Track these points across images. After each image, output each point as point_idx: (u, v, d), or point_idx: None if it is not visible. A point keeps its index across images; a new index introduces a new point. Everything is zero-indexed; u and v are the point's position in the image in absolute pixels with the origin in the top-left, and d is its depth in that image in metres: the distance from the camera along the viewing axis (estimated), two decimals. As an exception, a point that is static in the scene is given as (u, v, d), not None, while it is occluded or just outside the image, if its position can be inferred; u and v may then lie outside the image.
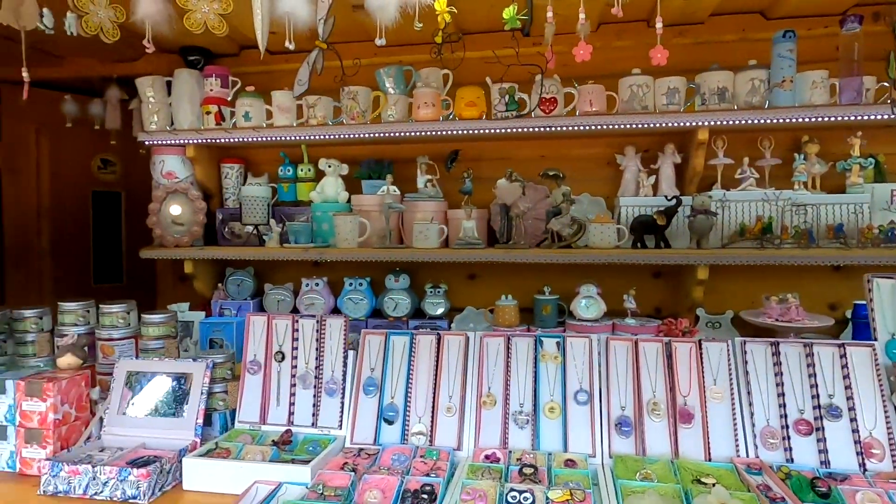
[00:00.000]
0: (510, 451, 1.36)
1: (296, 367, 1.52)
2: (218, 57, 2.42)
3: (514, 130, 2.06)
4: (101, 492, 1.29)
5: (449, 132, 2.10)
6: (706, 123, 1.96)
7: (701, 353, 1.42)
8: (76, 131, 2.57)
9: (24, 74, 1.58)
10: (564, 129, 2.05)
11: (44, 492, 1.31)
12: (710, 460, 1.32)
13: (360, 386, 1.48)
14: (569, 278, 2.21)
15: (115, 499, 1.29)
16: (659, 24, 1.40)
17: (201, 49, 2.33)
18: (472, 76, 2.04)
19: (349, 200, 2.25)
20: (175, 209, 2.22)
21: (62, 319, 1.73)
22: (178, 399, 1.48)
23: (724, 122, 1.95)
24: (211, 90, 2.17)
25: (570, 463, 1.31)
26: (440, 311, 2.24)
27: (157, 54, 2.39)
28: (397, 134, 2.10)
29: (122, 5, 1.57)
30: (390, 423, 1.44)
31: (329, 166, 2.24)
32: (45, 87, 2.56)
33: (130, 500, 1.28)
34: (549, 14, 1.40)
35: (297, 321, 1.54)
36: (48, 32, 1.53)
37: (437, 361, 1.48)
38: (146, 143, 2.23)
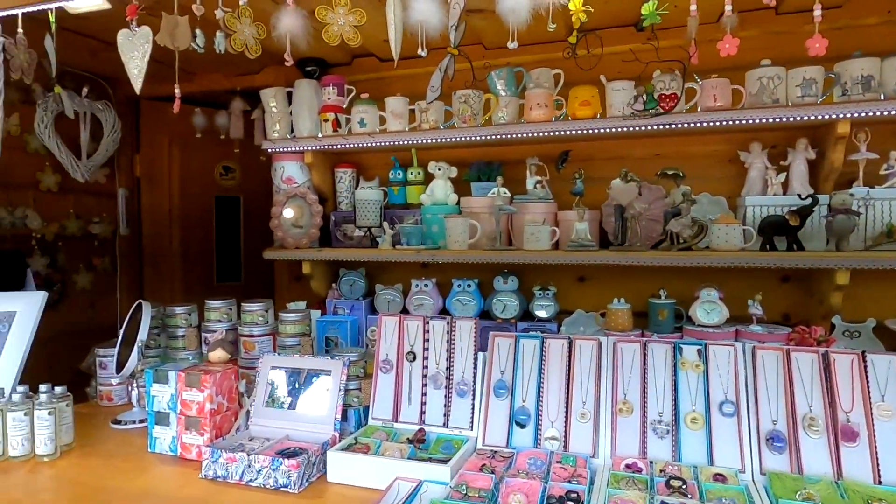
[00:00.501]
0: (651, 462, 1.31)
1: (427, 367, 1.55)
2: (332, 66, 2.53)
3: (631, 129, 2.00)
4: (255, 479, 1.38)
5: (561, 133, 2.07)
6: (848, 116, 1.81)
7: (865, 366, 1.30)
8: (202, 141, 2.78)
9: (176, 90, 1.72)
10: (683, 126, 1.95)
11: (204, 476, 1.42)
12: (880, 483, 1.22)
13: (490, 388, 1.49)
14: (684, 282, 2.11)
15: (267, 486, 1.37)
16: (817, 12, 1.31)
17: (317, 60, 2.44)
18: (584, 74, 1.99)
19: (458, 202, 2.28)
20: (295, 213, 2.34)
21: (208, 316, 1.88)
22: (314, 394, 1.56)
23: (870, 114, 1.79)
24: (328, 98, 2.27)
25: (719, 477, 1.25)
26: (549, 313, 2.22)
27: (276, 66, 2.56)
28: (508, 136, 2.10)
29: (262, 22, 1.67)
30: (522, 426, 1.44)
31: (439, 169, 2.27)
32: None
33: (282, 489, 1.36)
34: (693, 7, 1.34)
35: (427, 322, 1.57)
36: (199, 51, 1.66)
37: (569, 366, 1.46)
38: (269, 150, 2.37)
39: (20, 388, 1.56)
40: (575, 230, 2.09)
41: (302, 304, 2.31)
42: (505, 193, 2.20)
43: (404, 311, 2.37)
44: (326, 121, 2.26)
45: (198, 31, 1.65)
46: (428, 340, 1.56)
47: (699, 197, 2.14)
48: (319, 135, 2.29)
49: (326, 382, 1.56)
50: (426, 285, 2.33)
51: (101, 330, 2.66)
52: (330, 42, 1.58)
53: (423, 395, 1.54)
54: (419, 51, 1.53)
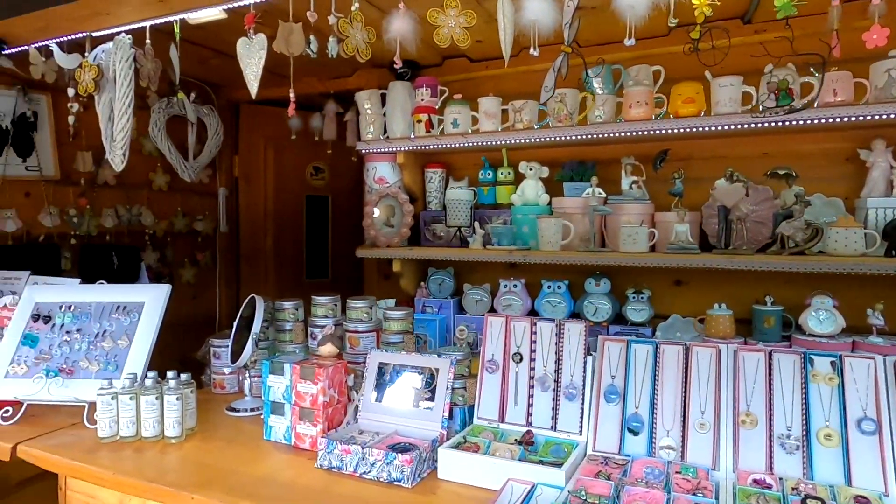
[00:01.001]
0: (781, 479, 1.25)
1: (534, 368, 1.54)
2: (423, 68, 2.56)
3: (737, 127, 1.91)
4: (369, 472, 1.42)
5: (661, 131, 2.00)
6: None
7: None
8: (294, 142, 2.90)
9: (291, 94, 1.80)
10: (798, 123, 1.84)
11: (320, 465, 1.48)
12: None
13: (600, 392, 1.47)
14: (790, 288, 2.00)
15: (381, 480, 1.40)
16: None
17: (408, 61, 2.47)
18: (684, 71, 1.90)
19: (549, 203, 2.26)
20: (386, 212, 2.39)
21: (315, 311, 1.95)
22: (400, 390, 1.58)
23: None
24: (422, 100, 2.30)
25: (861, 500, 1.17)
26: (643, 317, 2.16)
27: (368, 69, 2.62)
28: (605, 135, 2.05)
29: (372, 26, 1.71)
30: (635, 433, 1.41)
31: (530, 169, 2.26)
32: (271, 105, 2.91)
33: (395, 483, 1.39)
34: (835, -2, 1.26)
35: (535, 324, 1.56)
36: (312, 57, 1.72)
37: (686, 374, 1.41)
38: (362, 151, 2.43)
39: (150, 374, 1.68)
40: (675, 232, 2.02)
41: (391, 302, 2.36)
42: (600, 194, 2.16)
43: (492, 310, 2.38)
44: (420, 122, 2.29)
45: (311, 37, 1.72)
46: (535, 342, 1.55)
47: (812, 198, 2.01)
48: (412, 135, 2.32)
49: (412, 380, 1.59)
50: (515, 286, 2.32)
51: (204, 320, 2.83)
52: (440, 44, 1.60)
53: (530, 396, 1.53)
54: (531, 50, 1.52)
